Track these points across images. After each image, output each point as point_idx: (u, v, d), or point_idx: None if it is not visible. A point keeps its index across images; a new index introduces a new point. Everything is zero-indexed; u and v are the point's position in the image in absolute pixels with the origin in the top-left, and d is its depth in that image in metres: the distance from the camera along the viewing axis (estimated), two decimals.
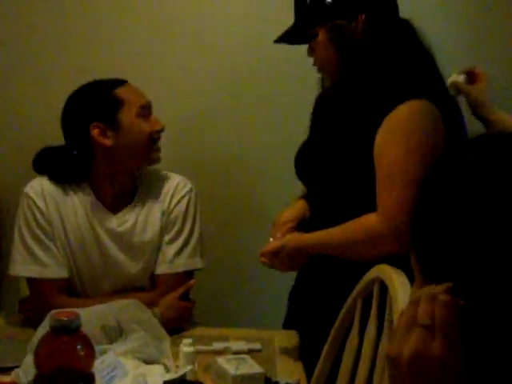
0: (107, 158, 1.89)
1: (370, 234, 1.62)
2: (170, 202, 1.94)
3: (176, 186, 1.96)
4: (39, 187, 1.90)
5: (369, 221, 1.62)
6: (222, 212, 2.76)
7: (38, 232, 1.86)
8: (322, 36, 1.70)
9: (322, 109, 1.86)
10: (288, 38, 1.78)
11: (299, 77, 2.43)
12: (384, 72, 1.67)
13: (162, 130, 1.93)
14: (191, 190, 1.98)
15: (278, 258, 1.71)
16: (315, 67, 1.79)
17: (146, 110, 1.91)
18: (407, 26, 1.71)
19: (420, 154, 1.56)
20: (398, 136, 1.60)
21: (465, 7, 2.65)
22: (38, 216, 1.87)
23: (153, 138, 1.91)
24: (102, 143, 1.87)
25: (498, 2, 2.63)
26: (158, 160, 1.93)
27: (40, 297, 1.85)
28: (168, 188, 1.96)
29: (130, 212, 1.92)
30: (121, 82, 1.94)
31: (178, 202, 1.95)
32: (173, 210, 1.94)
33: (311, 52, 1.76)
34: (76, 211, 1.89)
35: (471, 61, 2.64)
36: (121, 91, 1.91)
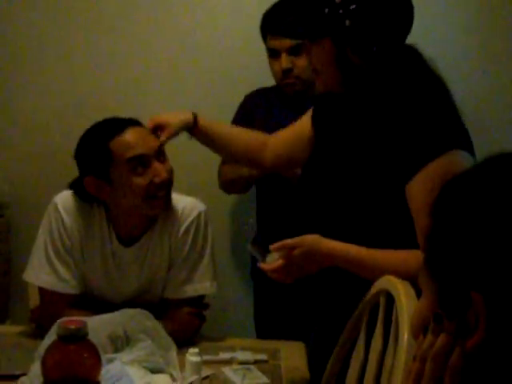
0: (110, 205, 1.87)
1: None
2: (178, 231, 1.90)
3: (181, 214, 1.90)
4: (68, 202, 1.88)
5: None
6: (229, 223, 2.78)
7: (61, 247, 1.87)
8: (328, 48, 1.60)
9: (330, 132, 1.77)
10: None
11: None
12: (417, 115, 1.57)
13: (163, 182, 1.81)
14: (199, 214, 1.91)
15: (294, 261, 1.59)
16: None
17: (137, 162, 1.78)
18: (415, 55, 1.63)
19: None
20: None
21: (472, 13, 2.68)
22: (63, 232, 1.87)
23: (150, 193, 1.80)
24: (98, 197, 1.85)
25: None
26: (161, 211, 1.86)
27: (52, 308, 1.85)
28: (175, 214, 1.90)
29: (142, 244, 1.90)
30: (120, 129, 1.80)
31: (185, 231, 1.90)
32: (180, 239, 1.90)
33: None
34: (94, 235, 1.89)
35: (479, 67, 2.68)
36: (114, 143, 1.79)
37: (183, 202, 1.92)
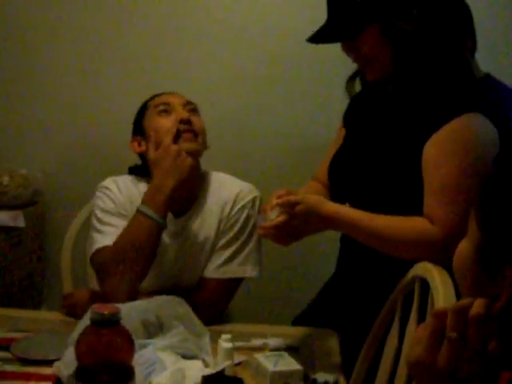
0: (153, 165, 1.90)
1: (424, 238, 1.55)
2: (231, 210, 1.94)
3: (237, 195, 1.95)
4: (115, 183, 1.98)
5: (424, 225, 1.56)
6: None
7: (116, 212, 1.92)
8: (373, 32, 1.63)
9: (364, 112, 1.83)
10: (329, 36, 1.70)
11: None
12: (439, 79, 1.63)
13: (186, 120, 1.90)
14: (254, 199, 1.96)
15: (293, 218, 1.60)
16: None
17: (164, 107, 1.94)
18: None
19: (475, 168, 1.53)
20: (453, 149, 1.56)
21: None
22: (117, 201, 1.93)
23: (174, 132, 1.88)
24: (140, 153, 1.97)
25: None
26: (191, 152, 1.86)
27: (103, 265, 1.82)
28: (229, 196, 1.95)
29: (190, 217, 1.93)
30: (161, 93, 2.01)
31: (238, 210, 1.94)
32: (231, 217, 1.93)
33: (353, 50, 1.69)
34: None
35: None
36: (151, 101, 2.00)
37: (240, 186, 1.98)
